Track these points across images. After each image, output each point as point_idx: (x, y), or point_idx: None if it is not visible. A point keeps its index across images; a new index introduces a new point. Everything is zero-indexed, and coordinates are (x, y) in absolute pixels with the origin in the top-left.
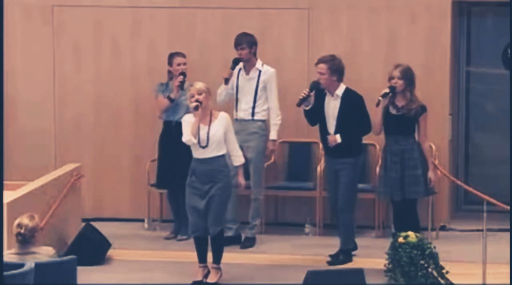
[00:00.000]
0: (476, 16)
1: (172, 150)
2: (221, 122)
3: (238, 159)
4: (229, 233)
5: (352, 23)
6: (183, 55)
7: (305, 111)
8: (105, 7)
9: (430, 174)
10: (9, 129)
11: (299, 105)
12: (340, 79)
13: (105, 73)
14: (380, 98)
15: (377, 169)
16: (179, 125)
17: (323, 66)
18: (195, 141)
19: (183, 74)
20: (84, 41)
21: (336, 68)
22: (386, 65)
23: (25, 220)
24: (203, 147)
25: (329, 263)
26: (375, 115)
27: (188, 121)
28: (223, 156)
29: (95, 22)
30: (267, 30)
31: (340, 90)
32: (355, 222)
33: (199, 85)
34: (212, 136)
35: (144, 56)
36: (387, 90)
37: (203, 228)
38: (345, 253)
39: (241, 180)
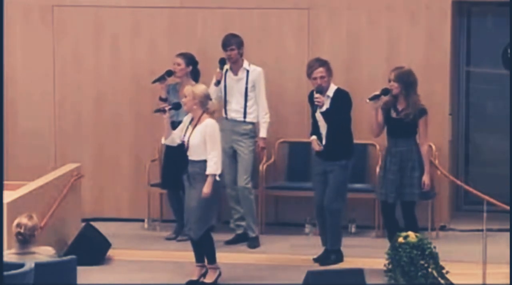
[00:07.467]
0: (476, 16)
1: (174, 151)
2: (200, 129)
3: (209, 168)
4: (239, 231)
5: (352, 23)
6: (181, 57)
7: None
8: (105, 7)
9: (425, 177)
10: (9, 129)
11: (314, 111)
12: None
13: (105, 73)
14: (367, 100)
15: (377, 169)
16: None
17: (322, 70)
18: (163, 142)
19: (168, 71)
20: (84, 41)
21: (331, 69)
22: (386, 65)
23: (24, 219)
24: (187, 150)
25: (321, 264)
26: (374, 118)
27: (184, 121)
28: (203, 161)
29: (95, 22)
30: (267, 30)
31: (331, 91)
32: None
33: (186, 88)
34: (190, 140)
35: (144, 56)
36: (377, 93)
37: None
38: (336, 252)
39: (206, 189)
